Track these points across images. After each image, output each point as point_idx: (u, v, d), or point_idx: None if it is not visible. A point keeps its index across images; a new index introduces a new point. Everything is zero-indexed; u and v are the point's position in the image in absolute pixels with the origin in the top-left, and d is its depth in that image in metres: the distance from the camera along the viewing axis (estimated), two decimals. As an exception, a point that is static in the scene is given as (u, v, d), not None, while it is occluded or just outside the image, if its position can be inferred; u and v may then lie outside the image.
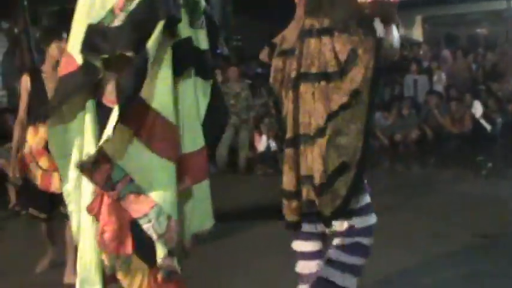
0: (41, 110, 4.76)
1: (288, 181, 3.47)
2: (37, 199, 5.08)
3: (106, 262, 3.15)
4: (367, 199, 3.50)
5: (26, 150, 4.97)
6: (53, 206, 5.02)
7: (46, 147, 4.67)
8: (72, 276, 4.94)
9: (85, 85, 3.08)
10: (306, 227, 3.56)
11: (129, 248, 3.07)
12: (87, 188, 3.12)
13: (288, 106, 3.47)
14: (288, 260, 3.73)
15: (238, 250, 5.72)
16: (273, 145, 10.40)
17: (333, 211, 3.36)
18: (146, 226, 3.02)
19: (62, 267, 5.20)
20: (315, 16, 3.42)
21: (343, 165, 3.32)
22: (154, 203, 3.03)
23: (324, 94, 3.35)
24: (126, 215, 3.05)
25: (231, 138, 10.40)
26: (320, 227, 3.53)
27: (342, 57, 3.32)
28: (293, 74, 3.42)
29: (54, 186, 4.84)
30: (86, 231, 3.19)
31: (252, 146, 10.61)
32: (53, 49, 4.91)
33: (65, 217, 4.88)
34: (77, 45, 3.02)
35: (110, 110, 2.99)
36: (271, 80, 3.62)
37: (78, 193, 3.21)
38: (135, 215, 3.04)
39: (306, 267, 3.63)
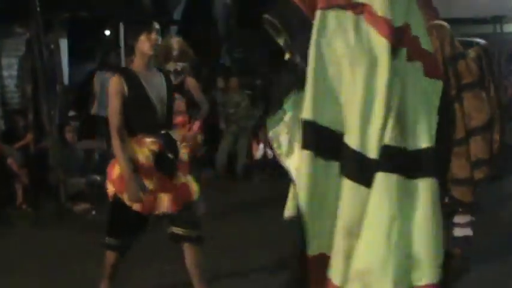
0: (147, 117, 4.00)
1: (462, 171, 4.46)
2: (121, 225, 4.12)
3: None
4: None
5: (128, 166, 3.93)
6: (136, 234, 4.22)
7: (156, 163, 3.98)
8: None
9: None
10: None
11: None
12: None
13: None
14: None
15: (237, 247, 5.70)
16: (270, 153, 10.39)
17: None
18: None
19: (66, 269, 5.12)
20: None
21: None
22: None
23: (481, 95, 4.52)
24: None
25: (230, 146, 10.40)
26: None
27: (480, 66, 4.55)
28: (453, 89, 4.46)
29: (162, 208, 4.04)
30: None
31: (250, 153, 10.61)
32: (142, 42, 4.00)
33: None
34: None
35: None
36: None
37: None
38: None
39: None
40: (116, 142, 3.92)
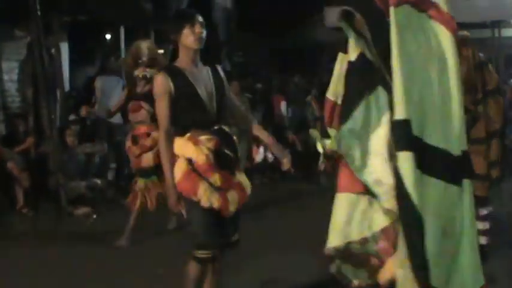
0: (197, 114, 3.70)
1: (480, 167, 4.69)
2: (206, 233, 3.68)
3: None
4: None
5: (184, 167, 3.65)
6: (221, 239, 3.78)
7: (216, 160, 3.68)
8: None
9: None
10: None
11: None
12: None
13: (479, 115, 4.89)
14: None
15: (237, 249, 5.69)
16: (270, 156, 10.39)
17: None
18: None
19: (66, 272, 5.08)
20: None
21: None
22: None
23: (500, 100, 5.00)
24: None
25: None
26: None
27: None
28: (480, 93, 4.84)
29: (234, 207, 3.75)
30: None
31: (250, 156, 10.60)
32: (186, 36, 3.67)
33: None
34: None
35: None
36: None
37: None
38: None
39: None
40: (163, 143, 3.69)
